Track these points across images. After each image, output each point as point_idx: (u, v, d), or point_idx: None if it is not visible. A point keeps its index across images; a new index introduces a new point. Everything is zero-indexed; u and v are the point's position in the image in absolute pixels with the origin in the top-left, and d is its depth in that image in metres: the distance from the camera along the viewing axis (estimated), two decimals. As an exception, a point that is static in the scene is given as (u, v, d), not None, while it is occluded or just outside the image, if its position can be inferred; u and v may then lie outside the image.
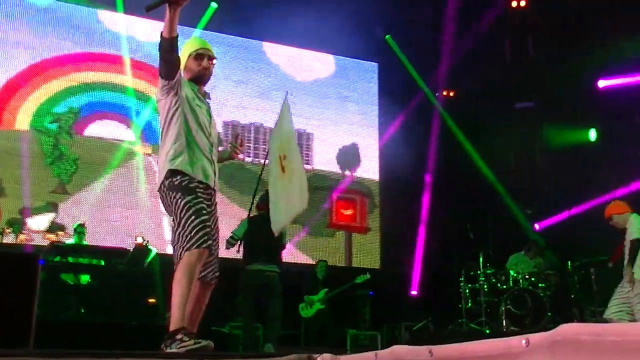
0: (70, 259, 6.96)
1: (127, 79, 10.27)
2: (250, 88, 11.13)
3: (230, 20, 10.79)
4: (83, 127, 10.02)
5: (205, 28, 10.81)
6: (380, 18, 11.44)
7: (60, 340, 5.55)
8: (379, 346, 9.15)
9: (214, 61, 3.77)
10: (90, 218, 9.21)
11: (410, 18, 11.28)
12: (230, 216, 10.43)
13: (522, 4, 10.74)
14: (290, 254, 10.39)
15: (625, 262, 6.37)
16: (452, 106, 11.99)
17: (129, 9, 10.20)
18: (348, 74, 12.22)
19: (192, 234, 3.38)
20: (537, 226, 10.89)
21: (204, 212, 3.46)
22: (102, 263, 7.00)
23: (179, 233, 3.42)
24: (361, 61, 12.33)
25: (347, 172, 11.78)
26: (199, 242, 3.37)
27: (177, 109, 3.54)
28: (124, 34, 10.37)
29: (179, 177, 3.50)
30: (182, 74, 3.67)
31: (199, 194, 3.49)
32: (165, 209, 3.62)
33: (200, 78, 3.73)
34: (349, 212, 11.64)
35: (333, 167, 11.69)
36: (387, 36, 11.99)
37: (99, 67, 10.22)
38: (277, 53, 11.60)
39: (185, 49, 3.72)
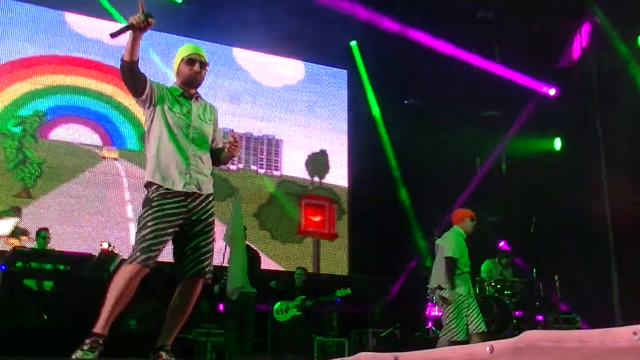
0: (34, 265, 6.83)
1: (94, 83, 10.15)
2: (220, 93, 11.08)
3: (200, 24, 10.74)
4: (48, 130, 9.86)
5: (175, 32, 10.75)
6: (350, 25, 11.49)
7: (22, 347, 5.45)
8: (346, 353, 9.16)
9: (207, 67, 3.91)
10: (54, 223, 9.06)
11: (378, 26, 11.35)
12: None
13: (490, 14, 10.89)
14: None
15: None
16: (420, 113, 12.08)
17: (97, 13, 10.08)
18: (318, 80, 12.25)
19: (135, 248, 3.50)
20: (502, 243, 10.85)
21: (158, 221, 3.53)
22: (67, 269, 6.88)
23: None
24: (331, 68, 12.38)
25: (316, 179, 11.80)
26: (137, 256, 3.47)
27: (152, 119, 3.74)
28: (91, 36, 10.25)
29: (149, 190, 3.67)
30: (175, 78, 3.91)
31: (157, 203, 3.58)
32: None
33: (190, 82, 3.86)
34: (317, 218, 11.65)
35: (302, 173, 11.70)
36: (351, 43, 11.99)
37: (66, 70, 10.09)
38: (247, 59, 11.59)
39: (178, 54, 3.90)
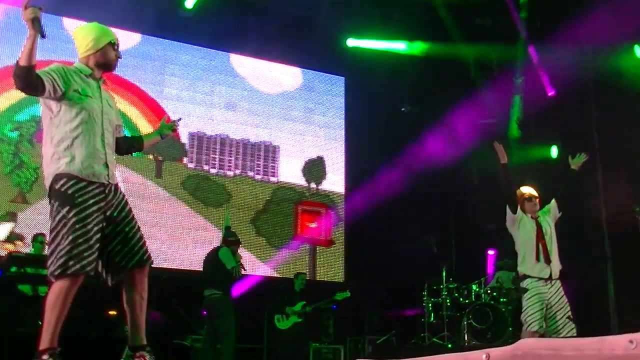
0: (29, 270, 6.80)
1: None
2: (217, 99, 11.08)
3: (198, 31, 10.74)
4: (45, 135, 9.83)
5: (173, 38, 10.76)
6: (348, 32, 11.51)
7: (16, 354, 5.42)
8: (342, 360, 9.15)
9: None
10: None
11: (377, 31, 11.38)
12: (195, 228, 10.36)
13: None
14: (255, 267, 10.37)
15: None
16: (417, 120, 12.08)
17: (95, 18, 10.07)
18: (315, 87, 12.25)
19: (64, 254, 3.20)
20: (490, 252, 10.77)
21: (85, 222, 3.25)
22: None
23: (52, 249, 3.26)
24: (328, 75, 12.38)
25: (313, 185, 11.79)
26: (69, 265, 3.19)
27: (61, 107, 3.45)
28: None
29: (62, 181, 3.33)
30: (88, 55, 3.73)
31: (79, 200, 3.27)
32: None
33: (111, 67, 3.77)
34: (313, 225, 11.63)
35: (299, 179, 11.69)
36: (348, 41, 11.96)
37: (63, 75, 10.06)
38: (244, 65, 11.58)
39: (103, 33, 3.77)
